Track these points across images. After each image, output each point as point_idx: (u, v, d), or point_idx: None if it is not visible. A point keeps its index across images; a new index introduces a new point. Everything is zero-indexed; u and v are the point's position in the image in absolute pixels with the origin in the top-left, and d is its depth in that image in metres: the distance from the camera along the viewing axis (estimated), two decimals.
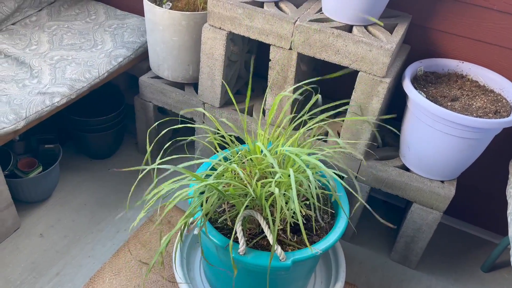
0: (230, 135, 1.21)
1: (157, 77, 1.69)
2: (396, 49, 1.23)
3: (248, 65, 1.72)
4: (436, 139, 1.25)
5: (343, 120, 1.37)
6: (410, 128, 1.32)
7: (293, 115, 1.37)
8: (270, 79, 1.42)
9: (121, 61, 1.60)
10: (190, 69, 1.61)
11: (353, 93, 1.30)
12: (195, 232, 1.05)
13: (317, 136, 1.17)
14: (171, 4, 1.57)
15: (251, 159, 1.12)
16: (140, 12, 1.87)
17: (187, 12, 1.46)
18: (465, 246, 1.66)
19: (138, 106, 1.76)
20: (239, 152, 1.21)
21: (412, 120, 1.29)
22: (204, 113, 1.61)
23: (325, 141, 1.46)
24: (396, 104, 1.44)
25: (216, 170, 1.08)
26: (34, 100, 1.34)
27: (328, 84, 1.52)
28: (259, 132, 1.16)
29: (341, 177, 1.46)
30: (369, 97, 1.27)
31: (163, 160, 1.04)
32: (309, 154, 1.07)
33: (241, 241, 1.03)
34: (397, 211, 1.75)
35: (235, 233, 1.02)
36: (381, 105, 1.27)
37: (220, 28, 1.39)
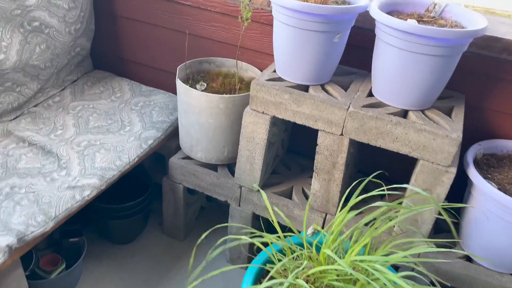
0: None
1: (188, 157, 1.59)
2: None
3: (284, 142, 1.63)
4: (510, 232, 1.14)
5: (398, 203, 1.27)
6: (476, 218, 1.21)
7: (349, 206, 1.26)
8: (317, 163, 1.32)
9: (151, 143, 1.50)
10: (225, 151, 1.51)
11: (412, 180, 1.21)
12: None
13: (382, 228, 1.07)
14: (205, 84, 1.50)
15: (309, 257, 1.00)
16: (165, 87, 1.80)
17: (226, 95, 1.39)
18: None
19: (166, 188, 1.64)
20: (295, 253, 1.10)
21: (479, 211, 1.19)
22: (240, 196, 1.51)
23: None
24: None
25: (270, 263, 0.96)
26: (63, 196, 1.23)
27: (379, 164, 1.44)
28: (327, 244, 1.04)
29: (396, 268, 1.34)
30: (431, 186, 1.18)
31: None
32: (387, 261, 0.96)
33: None
34: None
35: None
36: (445, 195, 1.18)
37: (263, 113, 1.31)
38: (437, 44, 1.05)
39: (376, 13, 1.11)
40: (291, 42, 1.22)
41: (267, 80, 1.30)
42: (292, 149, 1.69)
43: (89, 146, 1.43)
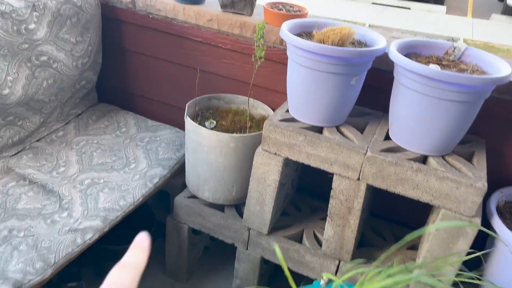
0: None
1: (194, 196, 1.53)
2: None
3: (294, 181, 1.58)
4: None
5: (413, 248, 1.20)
6: (501, 270, 1.15)
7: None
8: (331, 208, 1.26)
9: (157, 181, 1.45)
10: (233, 190, 1.45)
11: (433, 230, 1.15)
12: None
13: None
14: (215, 122, 1.46)
15: None
16: (172, 122, 1.76)
17: (237, 135, 1.34)
18: None
19: (170, 228, 1.57)
20: None
21: (505, 261, 1.13)
22: (248, 239, 1.44)
23: None
24: None
25: None
26: (64, 240, 1.16)
27: (392, 206, 1.39)
28: None
29: None
30: (453, 237, 1.11)
31: None
32: None
33: None
34: None
35: None
36: (469, 247, 1.11)
37: (275, 154, 1.26)
38: (461, 90, 1.01)
39: (396, 57, 1.07)
40: (306, 83, 1.18)
41: (280, 120, 1.26)
42: (302, 188, 1.63)
43: (92, 185, 1.37)
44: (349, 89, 1.19)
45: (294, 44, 1.14)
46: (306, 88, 1.20)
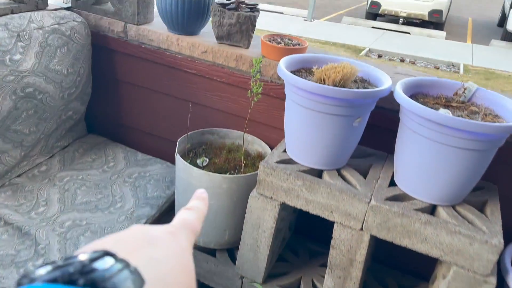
0: None
1: None
2: None
3: (292, 224, 1.48)
4: None
5: None
6: None
7: None
8: (331, 259, 1.16)
9: (144, 223, 1.34)
10: (225, 234, 1.35)
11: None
12: None
13: None
14: (208, 160, 1.37)
15: None
16: (163, 155, 1.67)
17: (230, 176, 1.25)
18: None
19: None
20: None
21: None
22: None
23: None
24: None
25: None
26: None
27: (396, 253, 1.28)
28: None
29: None
30: None
31: None
32: None
33: None
34: None
35: None
36: None
37: (271, 198, 1.17)
38: (474, 138, 0.92)
39: (403, 100, 0.99)
40: (306, 124, 1.10)
41: (277, 162, 1.17)
42: (300, 231, 1.53)
43: (73, 227, 1.27)
44: (351, 131, 1.10)
45: (292, 83, 1.06)
46: (305, 129, 1.11)
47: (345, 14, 10.06)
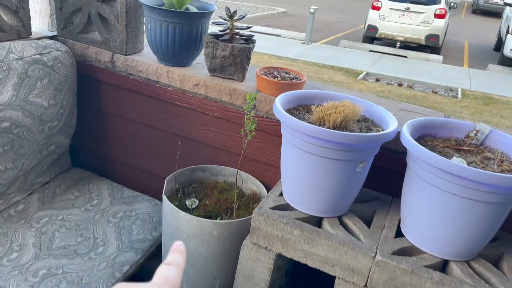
0: None
1: None
2: None
3: (288, 270, 1.36)
4: None
5: None
6: None
7: None
8: None
9: (127, 270, 1.23)
10: (216, 284, 1.24)
11: None
12: None
13: None
14: (197, 201, 1.26)
15: None
16: (151, 192, 1.56)
17: (221, 221, 1.14)
18: None
19: None
20: None
21: None
22: None
23: None
24: None
25: None
26: None
27: None
28: None
29: None
30: None
31: None
32: None
33: None
34: None
35: None
36: None
37: (266, 248, 1.06)
38: (492, 190, 0.83)
39: (413, 146, 0.90)
40: (304, 168, 1.00)
41: (273, 208, 1.07)
42: (297, 277, 1.42)
43: (48, 277, 1.15)
44: (354, 176, 1.00)
45: (288, 124, 0.97)
46: (304, 174, 1.01)
47: (343, 37, 10.11)
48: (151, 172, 1.57)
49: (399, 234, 1.04)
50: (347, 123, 1.00)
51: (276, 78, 1.25)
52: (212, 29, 1.34)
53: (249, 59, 1.30)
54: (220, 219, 1.18)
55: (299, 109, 1.11)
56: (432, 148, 0.97)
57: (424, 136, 1.03)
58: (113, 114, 1.55)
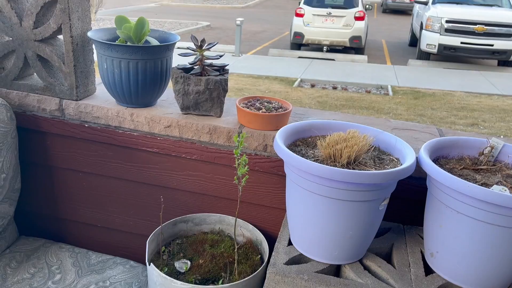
0: None
1: None
2: None
3: None
4: None
5: None
6: None
7: None
8: None
9: None
10: None
11: None
12: None
13: None
14: (189, 262, 1.09)
15: None
16: (122, 251, 1.35)
17: (225, 285, 0.98)
18: None
19: None
20: None
21: None
22: None
23: None
24: None
25: None
26: None
27: None
28: None
29: None
30: None
31: None
32: None
33: None
34: None
35: None
36: None
37: None
38: None
39: (442, 176, 0.81)
40: (324, 215, 0.87)
41: (287, 263, 0.93)
42: None
43: None
44: (375, 215, 0.90)
45: (298, 168, 0.84)
46: (320, 219, 0.89)
47: (270, 46, 10.22)
48: (121, 229, 1.36)
49: (427, 269, 0.95)
50: (358, 157, 0.90)
51: (261, 110, 1.12)
52: (178, 60, 1.18)
53: (226, 91, 1.15)
54: (222, 282, 1.02)
55: (299, 144, 0.99)
56: (450, 172, 0.89)
57: (438, 159, 0.96)
58: (66, 169, 1.31)
